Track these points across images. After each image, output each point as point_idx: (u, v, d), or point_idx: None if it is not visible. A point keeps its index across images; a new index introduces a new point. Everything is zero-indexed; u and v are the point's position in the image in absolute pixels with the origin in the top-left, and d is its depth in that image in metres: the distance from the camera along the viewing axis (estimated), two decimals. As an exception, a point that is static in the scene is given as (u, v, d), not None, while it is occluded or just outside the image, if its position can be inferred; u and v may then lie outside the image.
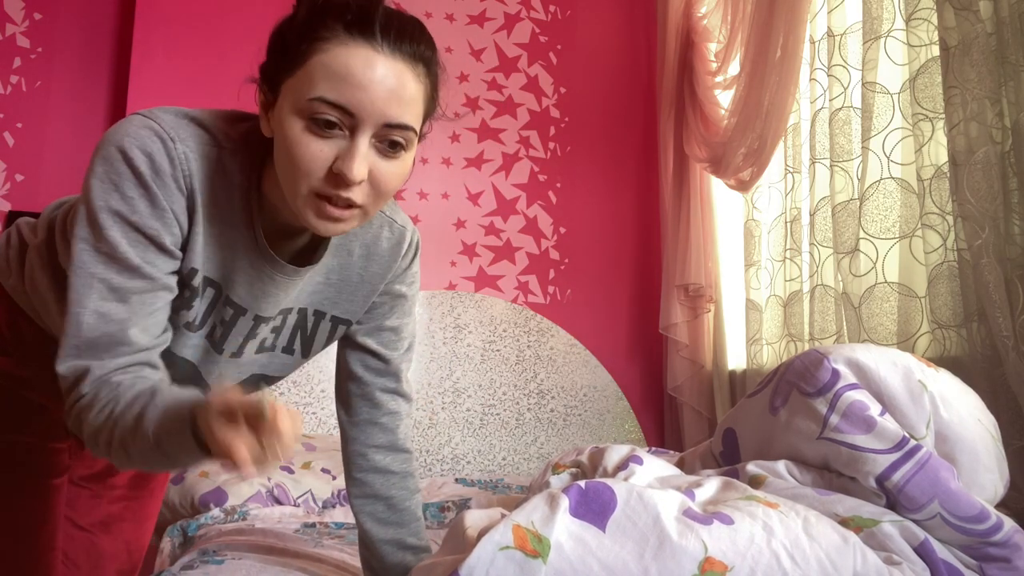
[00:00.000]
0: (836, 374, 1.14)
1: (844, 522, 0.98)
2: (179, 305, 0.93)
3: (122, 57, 2.64)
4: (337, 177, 0.83)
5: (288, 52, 0.84)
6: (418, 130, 0.88)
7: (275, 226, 0.96)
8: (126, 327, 0.85)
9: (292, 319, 1.06)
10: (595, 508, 0.78)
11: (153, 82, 2.54)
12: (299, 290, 1.02)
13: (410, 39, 0.85)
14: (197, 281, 0.93)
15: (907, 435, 1.07)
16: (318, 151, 0.82)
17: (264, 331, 1.04)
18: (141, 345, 0.87)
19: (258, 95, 0.90)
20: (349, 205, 0.85)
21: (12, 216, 2.49)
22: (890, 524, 0.96)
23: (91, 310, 0.84)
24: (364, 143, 0.83)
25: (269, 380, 1.12)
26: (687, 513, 0.83)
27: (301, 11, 0.85)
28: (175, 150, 0.86)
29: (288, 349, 1.09)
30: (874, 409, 1.10)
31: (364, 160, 0.83)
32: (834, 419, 1.10)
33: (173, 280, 0.90)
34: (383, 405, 1.14)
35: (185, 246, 0.90)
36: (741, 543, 0.80)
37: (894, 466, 1.03)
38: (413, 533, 1.15)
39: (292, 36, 0.84)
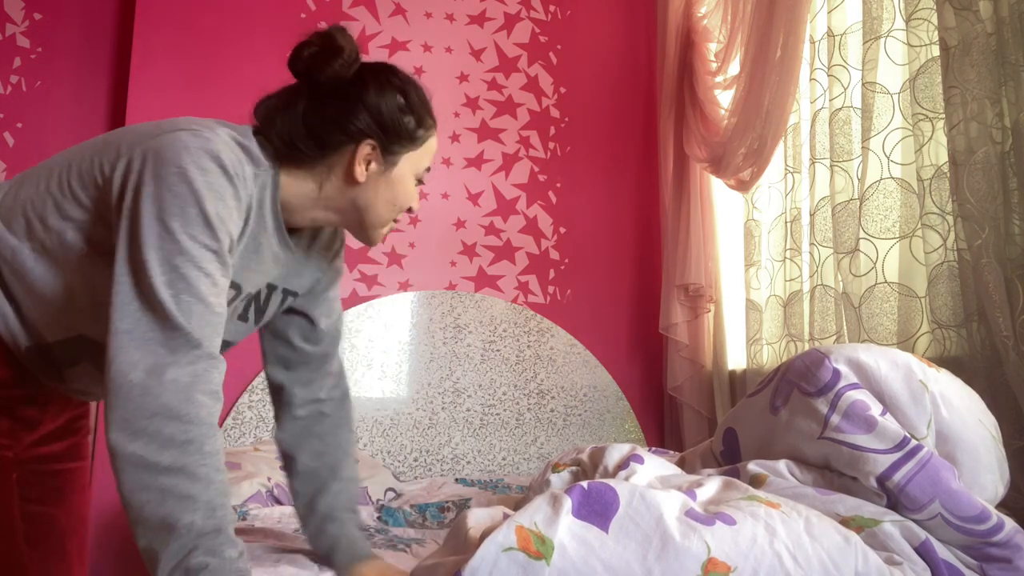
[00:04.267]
0: (837, 374, 1.14)
1: (845, 522, 0.98)
2: None
3: (122, 57, 2.64)
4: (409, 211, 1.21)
5: (411, 134, 1.14)
6: None
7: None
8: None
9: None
10: (598, 509, 0.78)
11: (153, 82, 2.54)
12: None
13: None
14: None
15: (908, 435, 1.07)
16: (416, 196, 1.19)
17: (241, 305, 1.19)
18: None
19: (363, 152, 1.12)
20: None
21: (12, 216, 2.49)
22: (891, 524, 0.96)
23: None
24: None
25: (228, 346, 1.20)
26: (689, 513, 0.83)
27: (412, 96, 1.15)
28: (242, 166, 1.03)
29: (244, 317, 1.20)
30: (875, 409, 1.10)
31: None
32: (835, 419, 1.10)
33: None
34: (317, 363, 1.29)
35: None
36: (744, 544, 0.80)
37: (895, 466, 1.03)
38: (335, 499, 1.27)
39: (411, 123, 1.14)
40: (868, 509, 1.00)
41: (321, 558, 1.26)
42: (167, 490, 0.86)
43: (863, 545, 0.87)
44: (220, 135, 1.00)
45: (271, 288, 1.21)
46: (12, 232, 1.02)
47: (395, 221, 1.19)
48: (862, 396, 1.11)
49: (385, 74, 1.15)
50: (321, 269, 1.28)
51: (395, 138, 1.12)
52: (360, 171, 1.12)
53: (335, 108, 1.11)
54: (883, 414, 1.10)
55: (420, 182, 1.19)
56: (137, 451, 0.86)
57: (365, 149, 1.11)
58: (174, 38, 2.58)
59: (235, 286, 1.11)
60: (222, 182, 0.97)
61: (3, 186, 1.10)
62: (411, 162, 1.15)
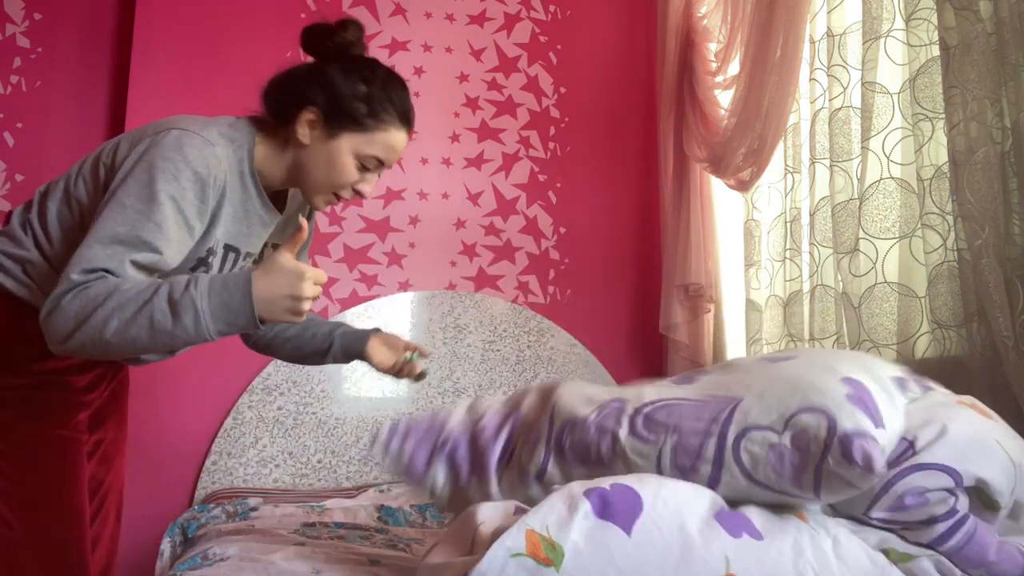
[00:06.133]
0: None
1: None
2: (196, 267, 1.24)
3: (122, 57, 2.63)
4: (356, 192, 1.31)
5: (358, 118, 1.26)
6: None
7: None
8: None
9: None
10: (621, 509, 0.76)
11: (153, 82, 2.54)
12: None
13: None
14: (218, 248, 1.26)
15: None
16: (355, 177, 1.29)
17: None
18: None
19: (305, 116, 1.25)
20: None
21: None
22: (928, 560, 0.92)
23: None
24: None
25: None
26: (719, 516, 0.80)
27: (374, 88, 1.27)
28: (216, 155, 1.18)
29: None
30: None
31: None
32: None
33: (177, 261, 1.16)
34: None
35: (208, 227, 1.21)
36: (768, 562, 0.77)
37: (940, 539, 0.97)
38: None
39: (363, 104, 1.26)
40: (899, 543, 0.96)
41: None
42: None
43: (891, 568, 0.84)
44: (197, 131, 1.16)
45: (265, 247, 1.40)
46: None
47: (337, 198, 1.31)
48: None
49: (362, 63, 1.30)
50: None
51: (338, 114, 1.25)
52: (303, 133, 1.26)
53: (298, 77, 1.28)
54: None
55: (366, 168, 1.29)
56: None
57: (308, 115, 1.25)
58: (174, 38, 2.58)
59: (233, 249, 1.29)
60: (187, 174, 1.14)
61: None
62: (352, 143, 1.26)
